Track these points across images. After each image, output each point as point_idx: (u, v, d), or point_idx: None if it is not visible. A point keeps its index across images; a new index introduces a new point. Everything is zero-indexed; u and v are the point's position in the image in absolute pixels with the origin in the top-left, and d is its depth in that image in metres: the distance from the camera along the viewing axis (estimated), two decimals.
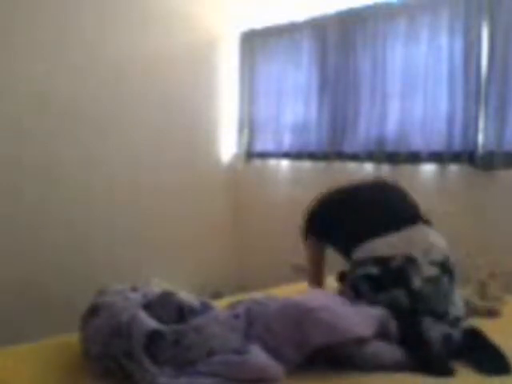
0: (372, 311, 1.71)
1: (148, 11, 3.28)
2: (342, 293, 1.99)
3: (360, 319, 1.64)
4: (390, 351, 1.63)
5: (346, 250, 2.03)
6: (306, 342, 1.58)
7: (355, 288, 1.89)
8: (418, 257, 1.85)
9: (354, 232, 2.01)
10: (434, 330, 1.70)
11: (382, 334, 1.67)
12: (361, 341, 1.60)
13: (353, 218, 2.06)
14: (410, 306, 1.78)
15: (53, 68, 2.89)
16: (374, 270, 1.87)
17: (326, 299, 1.72)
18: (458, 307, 1.83)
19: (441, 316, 1.76)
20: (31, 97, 2.82)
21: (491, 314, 2.10)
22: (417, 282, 1.80)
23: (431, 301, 1.79)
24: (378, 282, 1.84)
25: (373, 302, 1.79)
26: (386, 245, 1.91)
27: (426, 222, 2.04)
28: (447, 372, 1.60)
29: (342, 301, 1.77)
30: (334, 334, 1.57)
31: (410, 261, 1.84)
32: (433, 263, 1.86)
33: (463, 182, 2.78)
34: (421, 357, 1.64)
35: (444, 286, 1.84)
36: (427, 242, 1.92)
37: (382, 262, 1.87)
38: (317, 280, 2.30)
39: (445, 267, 1.88)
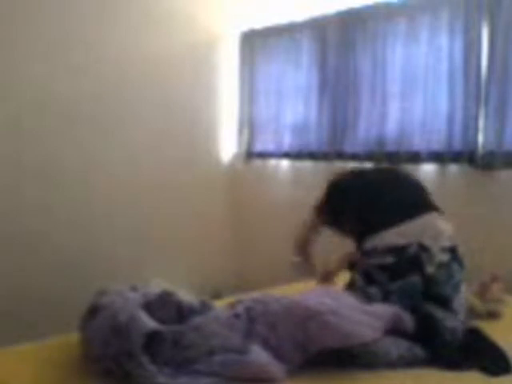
0: (383, 310, 1.71)
1: (148, 11, 3.28)
2: (352, 281, 2.03)
3: (368, 322, 1.63)
4: (396, 347, 1.63)
5: (359, 237, 2.06)
6: (310, 344, 1.57)
7: (369, 276, 1.93)
8: (429, 244, 1.92)
9: (369, 219, 2.05)
10: (446, 321, 1.74)
11: (394, 332, 1.68)
12: (366, 343, 1.60)
13: (370, 205, 2.08)
14: (424, 290, 1.85)
15: (53, 68, 2.89)
16: (389, 259, 1.92)
17: (333, 301, 1.70)
18: (460, 305, 1.88)
19: (446, 301, 1.83)
20: (32, 97, 2.82)
21: (491, 315, 2.08)
22: (430, 269, 1.88)
23: (442, 284, 1.87)
24: (393, 271, 1.90)
25: (387, 291, 1.85)
26: (398, 234, 1.97)
27: (437, 209, 2.10)
28: (456, 365, 1.62)
29: (351, 301, 1.76)
30: (340, 339, 1.56)
31: (423, 249, 1.91)
32: (443, 249, 1.94)
33: (463, 182, 2.78)
34: (435, 351, 1.66)
35: (455, 272, 1.92)
36: (437, 229, 1.98)
37: (396, 251, 1.93)
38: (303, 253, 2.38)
39: (454, 253, 1.97)
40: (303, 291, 1.94)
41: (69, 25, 2.94)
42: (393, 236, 1.97)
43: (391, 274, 1.89)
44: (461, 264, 1.96)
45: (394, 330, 1.68)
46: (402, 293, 1.83)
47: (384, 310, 1.71)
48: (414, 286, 1.86)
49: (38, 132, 2.87)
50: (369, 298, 1.84)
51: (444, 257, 1.92)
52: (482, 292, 2.20)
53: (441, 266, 1.90)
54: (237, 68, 3.76)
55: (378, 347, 1.61)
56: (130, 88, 3.23)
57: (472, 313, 2.04)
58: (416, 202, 2.10)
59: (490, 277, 2.26)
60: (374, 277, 1.92)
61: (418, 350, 1.65)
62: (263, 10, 3.60)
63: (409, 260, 1.90)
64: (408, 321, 1.72)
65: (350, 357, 1.60)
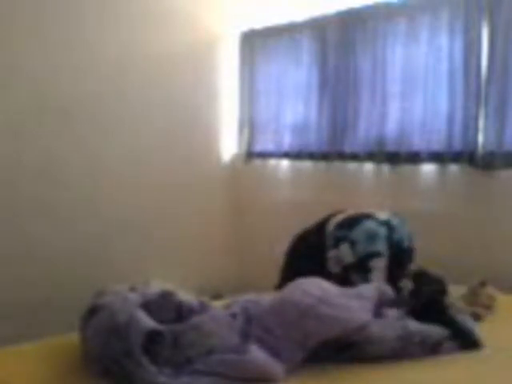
0: (365, 290, 1.77)
1: (148, 11, 3.28)
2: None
3: (359, 305, 1.67)
4: (390, 329, 1.66)
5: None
6: (309, 340, 1.58)
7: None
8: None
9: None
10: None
11: (382, 304, 1.75)
12: (362, 326, 1.62)
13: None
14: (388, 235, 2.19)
15: (54, 67, 2.89)
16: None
17: (320, 291, 1.72)
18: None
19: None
20: (33, 96, 2.82)
21: (474, 318, 2.06)
22: (382, 215, 2.26)
23: (399, 228, 2.22)
24: (345, 221, 2.30)
25: (351, 242, 2.14)
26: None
27: None
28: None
29: (335, 288, 1.79)
30: (336, 328, 1.58)
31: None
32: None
33: (463, 182, 2.78)
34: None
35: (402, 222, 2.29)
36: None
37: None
38: None
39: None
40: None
41: (69, 24, 2.94)
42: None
43: (347, 223, 2.23)
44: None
45: (381, 303, 1.74)
46: (365, 239, 2.11)
47: (367, 289, 1.77)
48: (370, 228, 2.14)
49: (39, 131, 2.87)
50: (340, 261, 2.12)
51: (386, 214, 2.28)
52: (471, 298, 2.17)
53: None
54: (237, 68, 3.76)
55: (372, 333, 1.62)
56: (131, 88, 3.23)
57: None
58: None
59: (478, 283, 2.22)
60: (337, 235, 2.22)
61: (413, 325, 1.69)
62: (263, 10, 3.60)
63: (358, 213, 2.27)
64: (389, 290, 1.81)
65: (348, 348, 1.61)
